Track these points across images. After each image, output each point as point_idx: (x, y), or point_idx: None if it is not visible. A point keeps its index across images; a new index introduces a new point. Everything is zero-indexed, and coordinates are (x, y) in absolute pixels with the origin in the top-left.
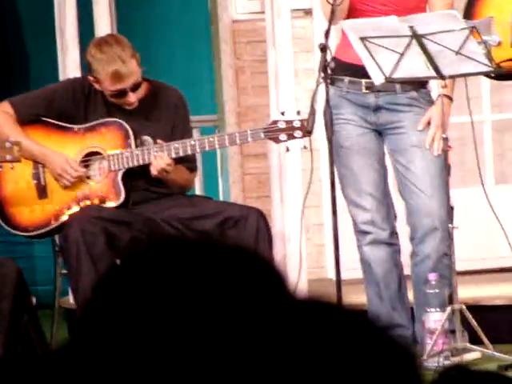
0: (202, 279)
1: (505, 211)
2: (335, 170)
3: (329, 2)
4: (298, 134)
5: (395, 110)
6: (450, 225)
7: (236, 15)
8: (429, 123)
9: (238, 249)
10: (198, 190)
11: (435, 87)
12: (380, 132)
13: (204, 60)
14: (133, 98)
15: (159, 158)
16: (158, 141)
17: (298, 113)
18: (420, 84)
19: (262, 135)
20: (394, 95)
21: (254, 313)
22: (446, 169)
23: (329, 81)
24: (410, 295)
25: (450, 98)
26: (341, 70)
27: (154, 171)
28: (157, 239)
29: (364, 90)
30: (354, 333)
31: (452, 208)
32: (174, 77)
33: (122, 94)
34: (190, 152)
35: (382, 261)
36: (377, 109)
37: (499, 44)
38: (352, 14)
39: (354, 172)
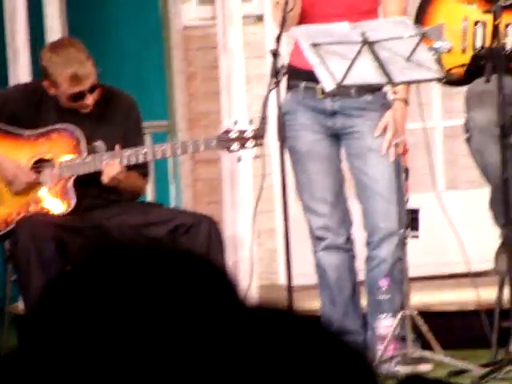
0: (153, 286)
1: (456, 217)
2: (291, 175)
3: (280, 9)
4: (250, 143)
5: (351, 114)
6: (403, 230)
7: (187, 21)
8: (385, 128)
9: (190, 255)
10: (150, 195)
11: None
12: (337, 136)
13: (155, 66)
14: (90, 99)
15: (111, 165)
16: (116, 146)
17: (251, 122)
18: (375, 87)
19: (215, 144)
20: (349, 99)
21: (206, 319)
22: (403, 172)
23: (280, 86)
24: (364, 302)
25: (406, 102)
26: (296, 76)
27: (105, 179)
28: (107, 245)
29: (320, 95)
30: (307, 339)
31: (416, 211)
32: (126, 82)
33: (79, 96)
34: (141, 160)
35: (337, 266)
36: (333, 113)
37: (450, 50)
38: (304, 18)
39: (310, 178)
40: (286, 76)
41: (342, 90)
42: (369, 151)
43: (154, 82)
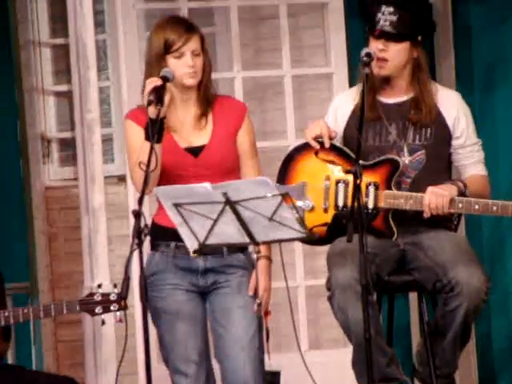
0: None
1: (319, 377)
2: (155, 336)
3: (141, 169)
4: (114, 307)
5: (223, 271)
6: None
7: (49, 182)
8: (256, 287)
9: None
10: (11, 357)
11: None
12: (203, 294)
13: (16, 227)
14: None
15: None
16: None
17: (115, 285)
18: (245, 245)
19: (78, 308)
20: (221, 258)
21: None
22: (265, 332)
23: (143, 247)
24: None
25: (270, 259)
26: (163, 235)
27: None
28: None
29: (192, 254)
30: None
31: (277, 374)
32: None
33: None
34: (3, 324)
35: None
36: (205, 272)
37: (312, 209)
38: (167, 179)
39: (177, 338)
40: (151, 236)
41: (214, 249)
42: (237, 308)
43: (15, 243)
